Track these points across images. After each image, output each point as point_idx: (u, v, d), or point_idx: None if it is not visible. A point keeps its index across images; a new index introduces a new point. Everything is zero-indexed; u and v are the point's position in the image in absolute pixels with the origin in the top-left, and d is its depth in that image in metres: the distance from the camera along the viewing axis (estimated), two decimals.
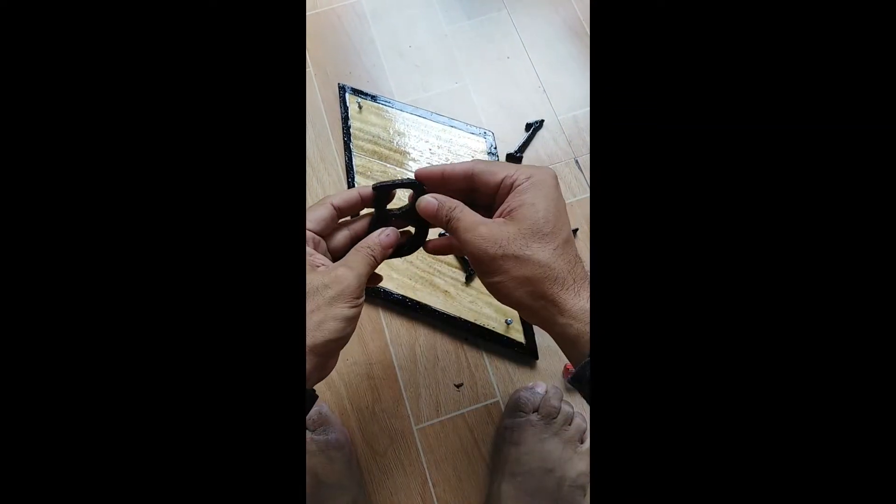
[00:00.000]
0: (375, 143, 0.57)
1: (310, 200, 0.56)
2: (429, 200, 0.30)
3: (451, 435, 0.48)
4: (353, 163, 0.57)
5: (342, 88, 0.60)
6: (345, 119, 0.59)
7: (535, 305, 0.27)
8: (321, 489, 0.42)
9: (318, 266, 0.29)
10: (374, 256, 0.30)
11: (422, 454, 0.47)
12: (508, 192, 0.29)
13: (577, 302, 0.26)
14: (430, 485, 0.46)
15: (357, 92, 0.60)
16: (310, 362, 0.26)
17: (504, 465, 0.43)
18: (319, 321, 0.26)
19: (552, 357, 0.50)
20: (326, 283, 0.27)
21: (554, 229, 0.27)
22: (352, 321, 0.27)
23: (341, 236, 0.32)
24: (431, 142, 0.57)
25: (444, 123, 0.58)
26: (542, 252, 0.26)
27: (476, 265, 0.29)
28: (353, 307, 0.27)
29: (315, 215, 0.30)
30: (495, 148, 0.57)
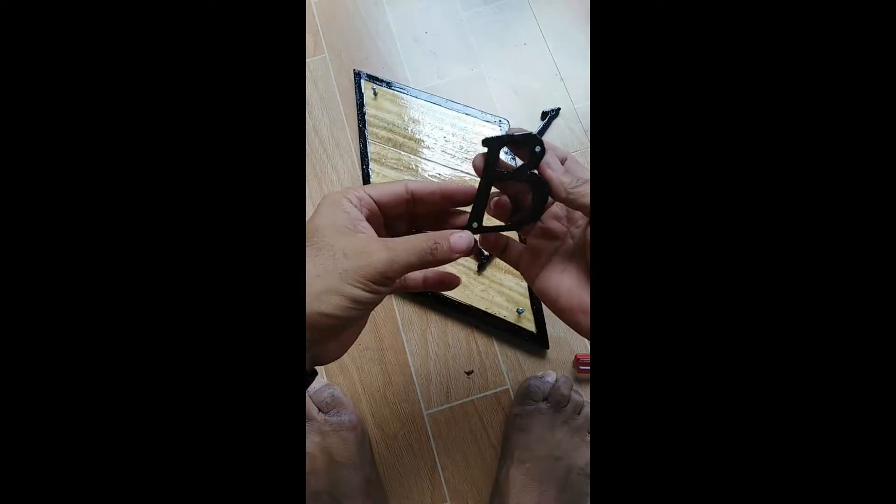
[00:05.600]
0: (390, 131, 0.57)
1: (325, 187, 0.57)
2: (553, 163, 0.25)
3: (460, 421, 0.48)
4: (368, 150, 0.57)
5: (357, 74, 0.60)
6: (360, 105, 0.59)
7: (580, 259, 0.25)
8: (335, 468, 0.43)
9: (356, 230, 0.24)
10: (432, 251, 0.24)
11: (431, 439, 0.48)
12: None
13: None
14: (440, 469, 0.47)
15: (372, 78, 0.60)
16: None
17: (513, 452, 0.44)
18: (323, 289, 0.22)
19: (562, 346, 0.50)
20: (347, 251, 0.23)
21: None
22: (360, 304, 0.23)
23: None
24: (446, 129, 0.57)
25: (458, 111, 0.58)
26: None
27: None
28: (365, 290, 0.23)
29: (385, 188, 0.26)
30: None
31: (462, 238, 0.25)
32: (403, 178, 0.39)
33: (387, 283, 0.24)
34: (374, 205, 0.26)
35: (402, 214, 0.27)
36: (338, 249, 0.23)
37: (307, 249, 0.23)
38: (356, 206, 0.25)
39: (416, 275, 0.30)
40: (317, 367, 0.26)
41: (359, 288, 0.23)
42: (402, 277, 0.27)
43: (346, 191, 0.25)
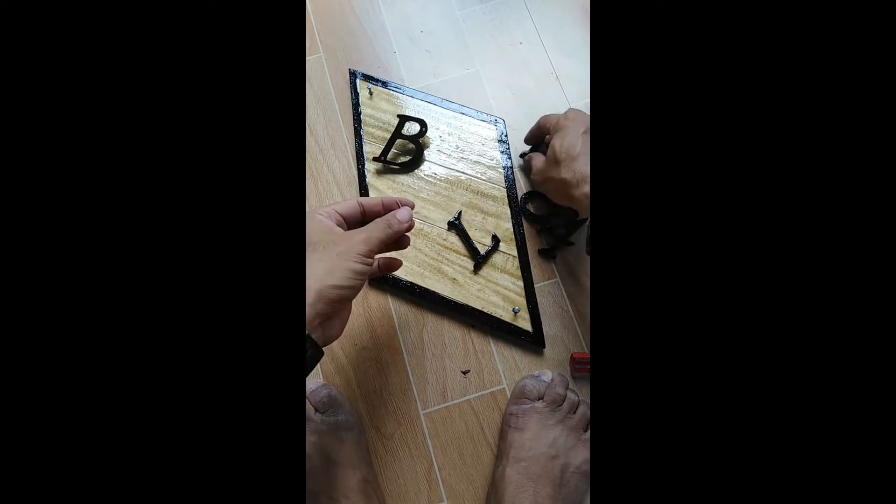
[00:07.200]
0: (386, 130, 0.57)
1: (321, 187, 0.57)
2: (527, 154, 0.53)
3: (457, 420, 0.49)
4: (364, 150, 0.57)
5: (353, 74, 0.60)
6: (355, 105, 0.59)
7: (567, 201, 0.46)
8: (332, 468, 0.43)
9: (335, 227, 0.35)
10: (389, 225, 0.35)
11: (428, 438, 0.48)
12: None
13: (580, 191, 0.43)
14: (436, 468, 0.47)
15: (368, 78, 0.60)
16: (315, 308, 0.30)
17: (509, 451, 0.44)
18: (328, 269, 0.31)
19: (558, 346, 0.50)
20: (335, 240, 0.33)
21: (563, 157, 0.45)
22: (359, 274, 0.32)
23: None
24: (442, 129, 0.57)
25: (454, 110, 0.58)
26: (555, 172, 0.46)
27: (535, 185, 0.53)
28: (359, 262, 0.32)
29: (345, 204, 0.37)
30: (506, 136, 0.57)
31: (402, 211, 0.37)
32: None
33: (370, 255, 0.33)
34: (339, 216, 0.36)
35: (358, 221, 0.38)
36: (330, 242, 0.33)
37: (310, 252, 0.32)
38: (327, 218, 0.35)
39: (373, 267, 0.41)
40: (310, 365, 0.31)
41: (353, 261, 0.32)
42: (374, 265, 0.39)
43: (317, 209, 0.36)
